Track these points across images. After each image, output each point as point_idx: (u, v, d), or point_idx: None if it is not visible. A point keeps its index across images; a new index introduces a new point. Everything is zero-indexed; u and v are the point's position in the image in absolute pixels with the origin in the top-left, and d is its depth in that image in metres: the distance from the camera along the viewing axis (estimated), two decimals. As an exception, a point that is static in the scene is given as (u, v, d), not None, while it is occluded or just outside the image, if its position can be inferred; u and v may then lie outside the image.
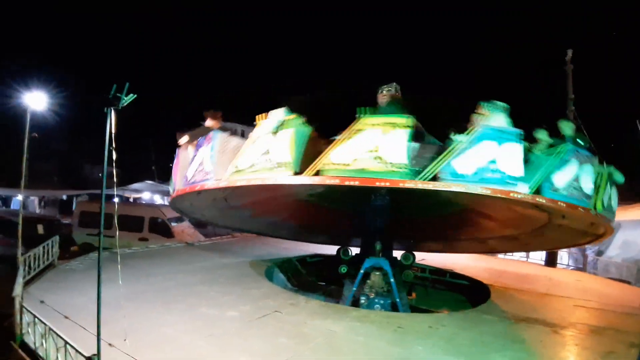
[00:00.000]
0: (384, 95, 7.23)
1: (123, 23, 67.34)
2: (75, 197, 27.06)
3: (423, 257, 10.61)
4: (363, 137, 5.77)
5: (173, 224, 16.18)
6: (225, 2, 76.14)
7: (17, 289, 6.51)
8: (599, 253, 15.16)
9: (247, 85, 64.03)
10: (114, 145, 5.29)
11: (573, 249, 14.53)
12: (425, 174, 5.67)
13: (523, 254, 14.00)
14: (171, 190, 8.21)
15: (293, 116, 6.22)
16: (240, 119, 35.22)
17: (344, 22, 74.89)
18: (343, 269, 8.74)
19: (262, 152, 6.24)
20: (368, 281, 8.19)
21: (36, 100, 10.64)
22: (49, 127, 26.35)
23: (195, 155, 7.42)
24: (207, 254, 11.58)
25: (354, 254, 8.98)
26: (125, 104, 5.40)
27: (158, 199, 26.84)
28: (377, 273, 8.11)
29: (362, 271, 8.05)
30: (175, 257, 11.05)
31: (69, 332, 5.15)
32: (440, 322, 6.92)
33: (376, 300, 8.02)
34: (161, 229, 15.84)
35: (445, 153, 5.71)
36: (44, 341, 5.37)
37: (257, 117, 6.70)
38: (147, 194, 26.33)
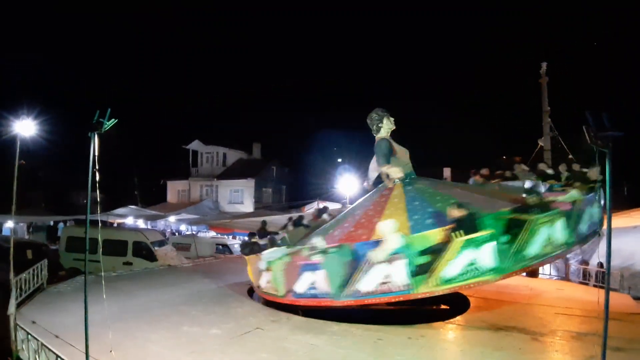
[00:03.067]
0: None
1: (104, 50, 67.79)
2: (64, 223, 26.99)
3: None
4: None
5: (156, 248, 16.18)
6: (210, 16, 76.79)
7: (11, 308, 6.79)
8: (583, 262, 15.35)
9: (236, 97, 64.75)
10: (97, 167, 5.50)
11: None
12: None
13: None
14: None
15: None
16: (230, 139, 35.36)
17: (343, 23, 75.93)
18: None
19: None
20: None
21: (25, 128, 10.77)
22: (36, 154, 26.37)
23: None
24: (190, 275, 11.64)
25: None
26: (107, 128, 5.64)
27: (141, 224, 26.92)
28: None
29: None
30: (159, 279, 11.14)
31: (59, 350, 5.31)
32: (419, 333, 7.02)
33: None
34: (145, 252, 15.84)
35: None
36: (37, 356, 5.51)
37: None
38: (130, 218, 26.39)
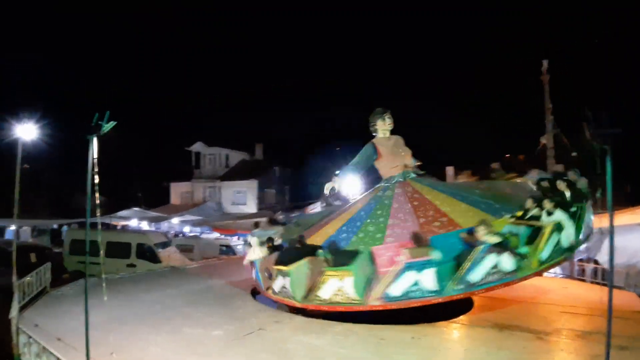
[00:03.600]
0: None
1: (106, 52, 68.12)
2: (68, 226, 27.08)
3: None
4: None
5: (159, 250, 16.14)
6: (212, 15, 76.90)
7: (14, 312, 6.77)
8: (588, 260, 15.23)
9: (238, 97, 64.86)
10: (96, 170, 5.49)
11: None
12: None
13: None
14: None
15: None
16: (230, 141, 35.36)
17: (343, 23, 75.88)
18: None
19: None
20: None
21: (27, 131, 10.78)
22: (40, 158, 26.46)
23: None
24: (193, 277, 11.61)
25: None
26: (106, 131, 5.62)
27: (145, 225, 27.00)
28: None
29: None
30: (162, 281, 11.09)
31: (61, 352, 5.30)
32: (422, 332, 6.97)
33: None
34: (148, 254, 15.76)
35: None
36: (38, 360, 5.52)
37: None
38: (134, 220, 26.46)
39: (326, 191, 9.18)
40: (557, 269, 14.02)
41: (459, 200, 8.99)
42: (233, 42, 76.45)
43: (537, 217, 7.80)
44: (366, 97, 56.65)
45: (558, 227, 7.52)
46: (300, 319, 7.67)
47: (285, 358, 5.77)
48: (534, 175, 10.40)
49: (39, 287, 9.26)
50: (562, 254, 7.81)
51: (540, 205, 7.91)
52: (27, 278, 8.73)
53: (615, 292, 10.70)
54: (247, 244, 9.58)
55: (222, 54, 76.07)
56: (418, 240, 7.36)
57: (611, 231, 4.41)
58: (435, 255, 6.96)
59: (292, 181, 39.67)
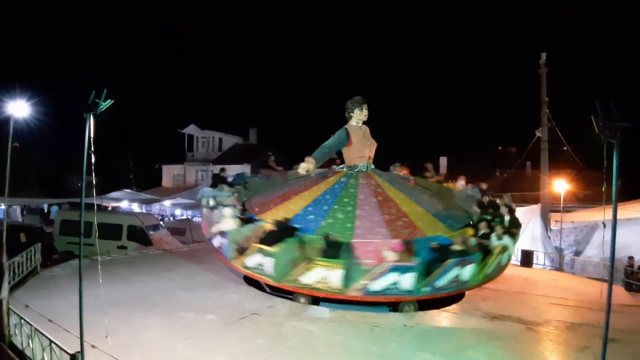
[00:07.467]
0: None
1: (103, 32, 66.94)
2: (59, 206, 26.80)
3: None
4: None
5: (151, 232, 16.01)
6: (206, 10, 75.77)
7: (4, 292, 6.65)
8: (577, 253, 15.44)
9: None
10: (92, 149, 5.38)
11: (549, 249, 14.83)
12: None
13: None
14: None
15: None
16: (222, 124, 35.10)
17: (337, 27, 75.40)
18: None
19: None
20: None
21: (18, 109, 10.55)
22: (31, 138, 26.08)
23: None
24: (185, 260, 11.52)
25: None
26: (103, 109, 5.51)
27: (136, 207, 26.80)
28: None
29: None
30: (154, 263, 10.99)
31: (53, 334, 5.22)
32: (414, 320, 7.06)
33: None
34: (139, 236, 15.62)
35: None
36: (30, 341, 5.45)
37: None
38: (125, 202, 26.27)
39: (302, 171, 9.20)
40: (546, 262, 14.27)
41: (415, 202, 9.24)
42: (229, 24, 75.50)
43: (487, 237, 8.45)
44: (360, 83, 56.46)
45: (503, 250, 8.36)
46: (293, 305, 7.68)
47: (280, 343, 5.79)
48: (461, 182, 10.73)
49: (29, 267, 9.13)
50: (501, 270, 8.71)
51: (492, 228, 8.62)
52: (17, 258, 8.59)
53: (604, 285, 10.87)
54: (209, 207, 9.53)
55: (218, 36, 75.10)
56: (408, 247, 7.68)
57: (614, 227, 4.43)
58: (417, 261, 7.34)
59: (285, 166, 39.54)
